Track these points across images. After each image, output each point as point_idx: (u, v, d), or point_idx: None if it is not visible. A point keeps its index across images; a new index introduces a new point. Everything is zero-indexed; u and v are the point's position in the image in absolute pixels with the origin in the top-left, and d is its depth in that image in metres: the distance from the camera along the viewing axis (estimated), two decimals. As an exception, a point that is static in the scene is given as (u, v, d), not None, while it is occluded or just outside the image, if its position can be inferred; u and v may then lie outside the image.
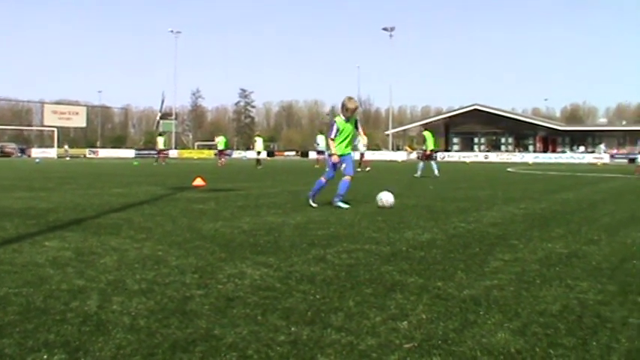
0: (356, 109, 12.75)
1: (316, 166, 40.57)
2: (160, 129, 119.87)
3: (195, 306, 4.68)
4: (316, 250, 7.26)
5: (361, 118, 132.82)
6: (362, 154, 39.78)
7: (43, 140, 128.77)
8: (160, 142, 55.30)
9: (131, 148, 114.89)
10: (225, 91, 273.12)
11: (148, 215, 10.78)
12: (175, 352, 3.64)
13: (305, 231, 8.86)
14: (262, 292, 5.14)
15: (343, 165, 12.85)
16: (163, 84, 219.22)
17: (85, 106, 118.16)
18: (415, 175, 28.48)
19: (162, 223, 9.59)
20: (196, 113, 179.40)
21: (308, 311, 4.54)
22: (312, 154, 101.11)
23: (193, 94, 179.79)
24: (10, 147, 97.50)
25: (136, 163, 55.34)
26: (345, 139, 12.86)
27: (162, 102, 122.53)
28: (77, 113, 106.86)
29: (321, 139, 42.12)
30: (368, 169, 37.36)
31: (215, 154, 53.86)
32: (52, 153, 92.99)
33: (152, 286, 5.31)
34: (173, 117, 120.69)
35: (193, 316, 4.38)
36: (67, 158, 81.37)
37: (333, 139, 12.83)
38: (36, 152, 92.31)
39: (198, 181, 20.15)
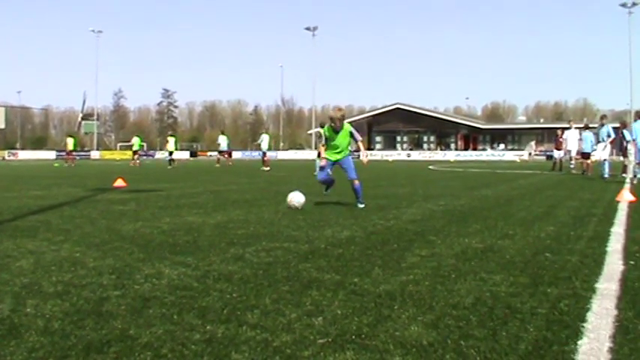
0: (342, 117, 12.58)
1: (217, 165, 40.29)
2: (82, 130, 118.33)
3: (112, 307, 4.65)
4: (235, 249, 7.27)
5: (285, 117, 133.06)
6: (264, 153, 40.31)
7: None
8: (70, 143, 55.41)
9: (52, 149, 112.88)
10: (148, 92, 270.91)
11: (67, 217, 10.64)
12: (89, 354, 3.62)
13: (225, 230, 8.86)
14: (179, 291, 5.14)
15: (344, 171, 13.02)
16: (85, 84, 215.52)
17: (3, 106, 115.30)
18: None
19: (81, 225, 9.49)
20: (118, 114, 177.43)
21: (224, 309, 4.55)
22: (236, 154, 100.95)
23: (115, 95, 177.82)
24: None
25: (56, 164, 54.46)
26: (336, 147, 12.76)
27: (84, 102, 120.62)
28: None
29: (222, 139, 42.49)
30: (267, 168, 37.65)
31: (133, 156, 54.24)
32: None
33: (68, 288, 5.27)
34: (95, 117, 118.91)
35: (109, 317, 4.36)
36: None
37: (323, 145, 13.10)
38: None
39: (119, 182, 19.97)
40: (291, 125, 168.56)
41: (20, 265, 6.35)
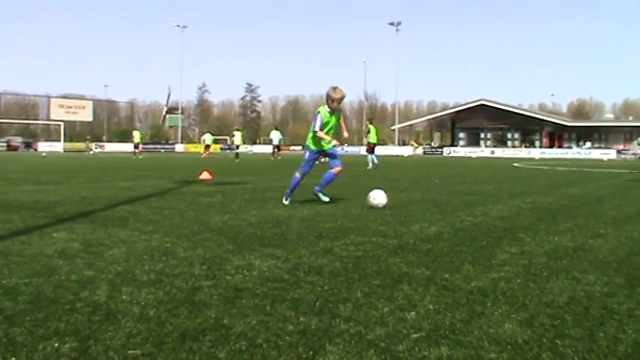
0: (341, 98, 11.68)
1: (272, 159, 40.73)
2: (167, 123, 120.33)
3: (204, 296, 4.71)
4: (324, 242, 7.29)
5: (367, 112, 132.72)
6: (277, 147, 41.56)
7: (50, 134, 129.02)
8: (136, 136, 57.66)
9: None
10: (232, 86, 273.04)
11: (156, 208, 10.81)
12: (185, 341, 3.68)
13: (312, 224, 8.89)
14: (270, 283, 5.17)
15: (325, 159, 12.55)
16: (169, 78, 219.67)
17: (91, 100, 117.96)
18: (368, 168, 30.38)
19: (169, 216, 9.63)
20: (202, 107, 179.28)
21: (316, 302, 4.56)
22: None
23: (199, 89, 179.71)
24: (17, 141, 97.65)
25: (141, 157, 55.37)
26: (329, 131, 11.91)
27: (169, 96, 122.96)
28: (83, 107, 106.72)
29: (275, 135, 42.91)
30: (279, 157, 38.84)
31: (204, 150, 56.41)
32: (58, 147, 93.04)
33: (161, 277, 5.35)
34: (179, 111, 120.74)
35: (202, 307, 4.41)
36: (91, 152, 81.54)
37: (318, 131, 11.87)
38: (42, 146, 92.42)
39: (205, 175, 20.21)
40: (375, 121, 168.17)
41: (113, 253, 6.47)
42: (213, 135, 62.32)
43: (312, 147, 12.15)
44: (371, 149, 32.36)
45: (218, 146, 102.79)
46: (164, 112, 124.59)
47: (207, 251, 6.62)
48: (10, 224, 8.62)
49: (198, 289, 4.93)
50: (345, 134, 12.64)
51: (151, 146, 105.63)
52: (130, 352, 3.51)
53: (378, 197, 11.31)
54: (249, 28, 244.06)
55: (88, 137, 56.01)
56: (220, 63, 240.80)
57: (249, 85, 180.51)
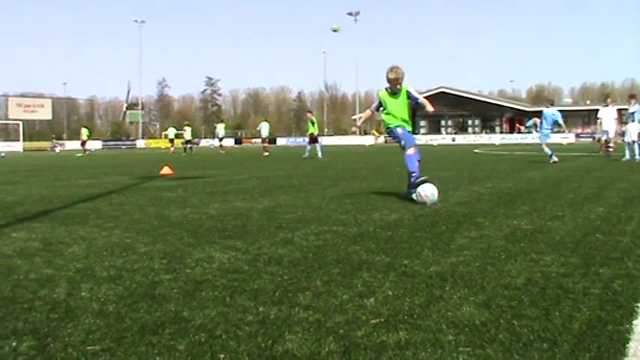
0: (396, 79, 10.76)
1: (265, 154, 41.05)
2: (127, 119, 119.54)
3: (164, 290, 4.71)
4: (284, 233, 7.30)
5: (329, 103, 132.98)
6: (264, 139, 43.75)
7: (8, 134, 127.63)
8: (84, 133, 59.27)
9: (98, 139, 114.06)
10: (192, 80, 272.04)
11: (116, 204, 10.76)
12: (144, 335, 3.67)
13: (273, 215, 8.90)
14: (230, 274, 5.18)
15: (402, 142, 11.03)
16: (129, 74, 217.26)
17: (50, 98, 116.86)
18: (303, 157, 32.70)
19: (130, 212, 9.59)
20: (163, 103, 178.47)
21: (276, 292, 4.58)
22: (280, 141, 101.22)
23: (159, 84, 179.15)
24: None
25: (79, 154, 54.71)
26: (393, 112, 10.96)
27: (129, 92, 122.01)
28: (42, 106, 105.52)
29: (265, 127, 43.08)
30: (267, 154, 40.19)
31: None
32: (17, 146, 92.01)
33: (121, 273, 5.33)
34: (140, 107, 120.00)
35: (162, 300, 4.41)
36: (57, 150, 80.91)
37: (372, 111, 11.69)
38: (1, 146, 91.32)
39: (166, 170, 20.14)
40: (335, 111, 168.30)
41: (73, 250, 6.44)
42: (90, 130, 64.56)
43: (390, 124, 11.08)
44: (314, 140, 34.20)
45: (180, 141, 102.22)
46: (124, 109, 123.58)
47: (168, 245, 6.61)
48: (-33, 224, 8.53)
49: (158, 283, 4.92)
50: (429, 108, 11.29)
51: (112, 143, 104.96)
52: (89, 347, 3.50)
53: (428, 191, 10.00)
54: (208, 21, 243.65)
55: (54, 136, 55.65)
56: (180, 57, 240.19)
57: (210, 78, 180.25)
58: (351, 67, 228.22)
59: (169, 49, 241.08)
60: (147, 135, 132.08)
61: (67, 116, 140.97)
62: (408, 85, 10.92)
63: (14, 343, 3.58)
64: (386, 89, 11.00)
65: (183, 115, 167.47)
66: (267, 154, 40.30)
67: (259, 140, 50.08)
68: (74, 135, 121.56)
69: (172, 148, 55.97)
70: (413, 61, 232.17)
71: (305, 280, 4.93)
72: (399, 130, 10.94)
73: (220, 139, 54.07)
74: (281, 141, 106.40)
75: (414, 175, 10.51)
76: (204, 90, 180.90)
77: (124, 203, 10.94)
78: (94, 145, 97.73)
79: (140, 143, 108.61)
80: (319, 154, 32.74)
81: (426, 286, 4.69)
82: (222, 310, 4.14)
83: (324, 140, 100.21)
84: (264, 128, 44.06)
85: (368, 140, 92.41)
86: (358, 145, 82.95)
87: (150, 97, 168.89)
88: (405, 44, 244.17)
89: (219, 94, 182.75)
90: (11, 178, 20.01)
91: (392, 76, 10.79)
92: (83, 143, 58.41)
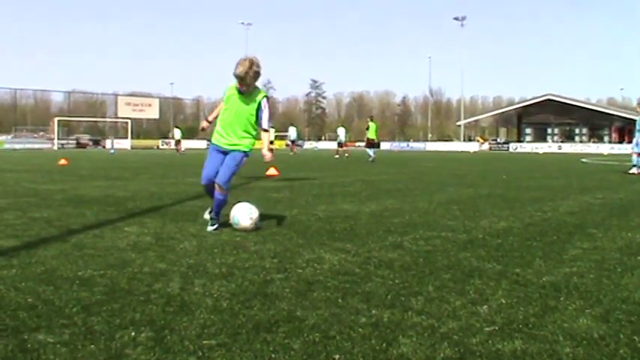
0: (254, 74, 7.87)
1: (336, 157, 42.12)
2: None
3: (276, 289, 4.76)
4: (393, 237, 7.30)
5: (433, 109, 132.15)
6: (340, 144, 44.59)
7: (117, 131, 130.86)
8: (177, 133, 60.44)
9: (203, 139, 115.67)
10: (296, 83, 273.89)
11: (224, 203, 10.89)
12: (259, 332, 3.72)
13: (380, 219, 8.89)
14: (341, 276, 5.20)
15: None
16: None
17: (157, 97, 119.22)
18: (369, 160, 33.29)
19: (238, 211, 9.70)
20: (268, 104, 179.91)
21: (388, 295, 4.58)
22: (384, 145, 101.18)
23: (264, 85, 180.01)
24: (85, 139, 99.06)
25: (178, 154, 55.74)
26: (231, 125, 8.10)
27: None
28: (150, 105, 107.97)
29: (341, 131, 43.81)
30: (345, 155, 41.68)
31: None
32: (125, 144, 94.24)
33: (232, 270, 5.42)
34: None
35: (275, 299, 4.46)
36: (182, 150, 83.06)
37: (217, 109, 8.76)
38: (110, 144, 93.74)
39: (272, 171, 20.30)
40: (439, 116, 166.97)
41: (184, 247, 6.57)
42: (183, 131, 64.52)
43: (215, 142, 8.32)
44: (370, 144, 35.44)
45: (283, 142, 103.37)
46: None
47: (278, 245, 6.68)
48: (82, 218, 8.80)
49: (270, 282, 4.98)
50: (265, 151, 8.46)
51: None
52: (204, 341, 3.57)
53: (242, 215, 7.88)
54: (313, 24, 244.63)
55: (179, 139, 56.49)
56: (285, 60, 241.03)
57: (314, 81, 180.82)
58: (456, 72, 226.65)
59: (275, 51, 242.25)
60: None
61: (174, 115, 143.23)
62: (265, 94, 8.25)
63: (133, 333, 3.69)
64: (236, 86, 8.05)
65: (287, 117, 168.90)
66: (337, 156, 41.61)
67: (363, 143, 50.65)
68: (181, 134, 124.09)
69: (181, 150, 58.09)
70: (519, 67, 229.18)
71: (417, 285, 4.91)
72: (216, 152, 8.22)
73: (292, 142, 57.67)
74: (385, 145, 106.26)
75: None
76: (309, 93, 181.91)
77: (232, 202, 11.05)
78: (200, 144, 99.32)
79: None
80: (371, 155, 34.02)
81: (540, 296, 4.62)
82: (335, 311, 4.16)
83: (429, 146, 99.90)
84: (342, 134, 45.39)
85: (472, 147, 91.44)
86: (462, 151, 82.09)
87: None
88: (512, 49, 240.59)
89: (324, 97, 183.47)
90: (121, 174, 20.53)
91: (237, 70, 7.82)
92: (177, 143, 59.57)
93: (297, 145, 61.17)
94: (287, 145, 57.66)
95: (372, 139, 35.94)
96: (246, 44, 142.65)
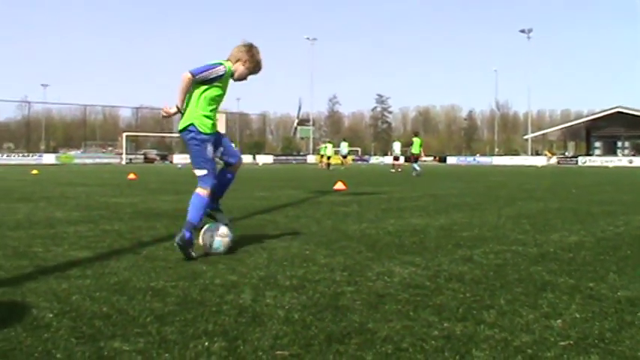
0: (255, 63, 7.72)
1: (392, 171, 43.33)
2: (298, 135, 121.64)
3: (347, 301, 4.76)
4: (462, 250, 7.26)
5: (499, 122, 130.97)
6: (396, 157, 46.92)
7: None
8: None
9: (269, 153, 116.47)
10: (362, 97, 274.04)
11: (293, 217, 10.97)
12: (331, 344, 3.73)
13: (449, 232, 8.85)
14: (412, 289, 5.19)
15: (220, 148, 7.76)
16: (300, 90, 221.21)
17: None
18: (414, 174, 35.02)
19: (307, 225, 9.76)
20: (333, 119, 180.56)
21: (459, 308, 4.55)
22: (450, 159, 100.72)
23: (330, 100, 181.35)
24: (153, 153, 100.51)
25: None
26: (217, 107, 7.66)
27: (300, 108, 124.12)
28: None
29: (397, 146, 44.65)
30: (398, 170, 43.99)
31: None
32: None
33: (303, 283, 5.44)
34: (310, 123, 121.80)
35: (346, 311, 4.46)
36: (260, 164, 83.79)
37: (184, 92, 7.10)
38: (177, 158, 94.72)
39: (339, 185, 20.35)
40: (506, 130, 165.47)
41: (254, 259, 6.62)
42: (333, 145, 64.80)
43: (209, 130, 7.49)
44: (414, 159, 37.53)
45: (350, 157, 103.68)
46: (295, 124, 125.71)
47: (347, 258, 6.69)
48: (153, 231, 8.95)
49: (340, 295, 4.99)
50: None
51: (283, 157, 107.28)
52: (277, 352, 3.59)
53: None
54: (378, 38, 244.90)
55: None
56: (350, 74, 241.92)
57: (380, 96, 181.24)
58: (523, 85, 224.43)
59: (340, 66, 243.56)
60: (317, 151, 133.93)
61: (240, 130, 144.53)
62: None
63: (206, 343, 3.73)
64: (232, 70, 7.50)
65: (353, 131, 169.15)
66: (393, 170, 43.40)
67: (429, 158, 50.98)
68: (246, 149, 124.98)
69: (323, 163, 58.00)
70: (587, 80, 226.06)
71: (488, 298, 4.87)
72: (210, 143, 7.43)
73: (344, 156, 59.67)
74: (451, 160, 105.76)
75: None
76: (375, 107, 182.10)
77: (300, 216, 11.14)
78: (266, 159, 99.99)
79: (310, 158, 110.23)
80: (417, 169, 36.03)
81: (615, 311, 4.54)
82: (406, 323, 4.15)
83: (496, 160, 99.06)
84: (397, 148, 46.84)
85: (540, 161, 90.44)
86: (530, 165, 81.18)
87: (321, 113, 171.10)
88: (579, 61, 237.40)
89: (390, 112, 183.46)
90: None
91: (262, 62, 7.81)
92: None
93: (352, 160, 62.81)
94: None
95: (417, 154, 38.05)
96: (312, 59, 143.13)
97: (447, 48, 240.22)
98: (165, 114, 7.10)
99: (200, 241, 6.92)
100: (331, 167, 53.96)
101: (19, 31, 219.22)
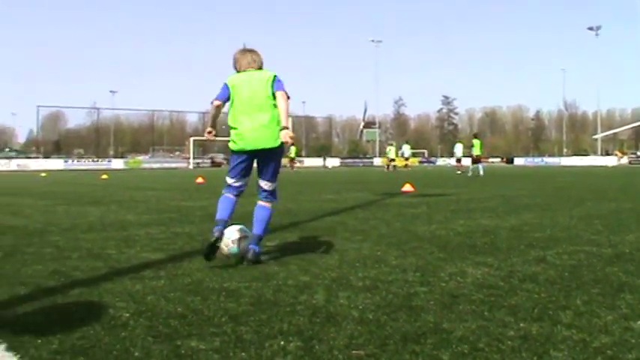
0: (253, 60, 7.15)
1: (457, 173, 43.00)
2: (364, 138, 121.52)
3: (421, 302, 4.75)
4: (535, 251, 7.18)
5: (567, 122, 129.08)
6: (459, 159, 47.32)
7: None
8: (292, 150, 61.79)
9: (336, 156, 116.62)
10: (428, 98, 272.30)
11: (362, 219, 10.98)
12: (407, 344, 3.72)
13: (521, 233, 8.76)
14: (485, 289, 5.15)
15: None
16: (365, 93, 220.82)
17: (290, 116, 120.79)
18: (468, 175, 36.79)
19: (376, 226, 9.75)
20: (399, 121, 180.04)
21: (534, 309, 4.50)
22: (518, 160, 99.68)
23: (395, 102, 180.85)
24: (219, 157, 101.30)
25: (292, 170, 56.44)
26: (249, 111, 6.82)
27: (365, 111, 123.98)
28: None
29: (459, 148, 44.53)
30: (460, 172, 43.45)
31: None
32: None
33: (376, 283, 5.44)
34: (376, 125, 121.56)
35: (420, 311, 4.45)
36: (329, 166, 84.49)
37: (216, 106, 7.04)
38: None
39: (407, 187, 20.29)
40: (574, 130, 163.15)
41: (326, 260, 6.64)
42: (298, 148, 65.79)
43: (237, 143, 6.85)
44: (475, 160, 38.61)
45: (416, 159, 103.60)
46: (361, 127, 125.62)
47: (419, 259, 6.67)
48: (224, 233, 9.01)
49: (413, 295, 4.98)
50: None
51: (349, 160, 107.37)
52: (353, 351, 3.60)
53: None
54: (443, 39, 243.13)
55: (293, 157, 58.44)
56: (416, 76, 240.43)
57: (446, 97, 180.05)
58: (592, 84, 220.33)
59: (405, 68, 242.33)
60: (383, 153, 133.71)
61: (306, 133, 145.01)
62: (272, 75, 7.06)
63: (282, 343, 3.76)
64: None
65: (419, 133, 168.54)
66: (459, 172, 43.40)
67: (496, 159, 50.59)
68: (312, 152, 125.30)
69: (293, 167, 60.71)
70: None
71: (563, 299, 4.81)
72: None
73: (406, 159, 61.75)
74: (518, 161, 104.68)
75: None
76: (440, 109, 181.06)
77: (369, 218, 11.14)
78: (332, 162, 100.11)
79: (377, 161, 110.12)
80: (480, 172, 37.15)
81: (697, 312, 4.45)
82: (481, 323, 4.12)
83: (564, 160, 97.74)
84: (459, 150, 46.53)
85: (610, 161, 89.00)
86: (600, 165, 79.88)
87: (386, 115, 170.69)
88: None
89: (456, 113, 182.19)
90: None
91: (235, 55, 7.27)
92: (291, 160, 61.11)
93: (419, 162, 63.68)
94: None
95: (478, 156, 39.00)
96: (376, 61, 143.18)
97: (513, 47, 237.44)
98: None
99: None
100: (393, 169, 54.13)
101: (88, 39, 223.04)
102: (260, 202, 7.04)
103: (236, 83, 6.86)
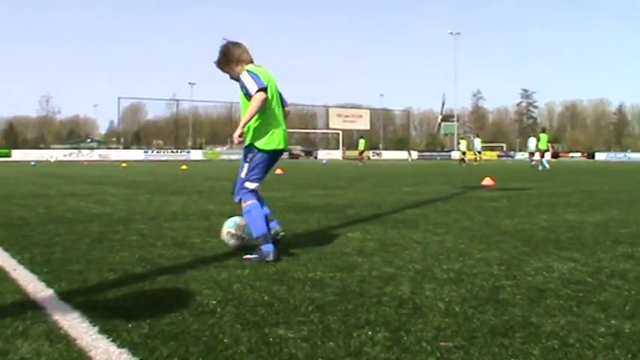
0: (216, 65, 7.03)
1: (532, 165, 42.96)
2: (442, 131, 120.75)
3: (507, 295, 4.72)
4: (622, 247, 7.05)
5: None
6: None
7: (328, 143, 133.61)
8: (362, 143, 61.75)
9: (414, 149, 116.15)
10: (506, 92, 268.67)
11: (443, 212, 10.93)
12: (495, 336, 3.70)
13: (606, 229, 8.61)
14: (573, 285, 5.08)
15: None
16: (443, 86, 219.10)
17: (367, 109, 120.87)
18: (539, 169, 37.13)
19: (458, 219, 9.70)
20: (477, 115, 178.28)
21: (625, 305, 4.43)
22: (599, 155, 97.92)
23: (474, 96, 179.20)
24: (298, 149, 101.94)
25: (360, 164, 56.15)
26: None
27: (443, 104, 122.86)
28: (361, 116, 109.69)
29: (532, 142, 44.70)
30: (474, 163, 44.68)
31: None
32: (337, 155, 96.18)
33: (460, 276, 5.42)
34: (454, 119, 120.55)
35: (507, 305, 4.42)
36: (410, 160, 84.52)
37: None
38: (322, 154, 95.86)
39: (487, 181, 20.12)
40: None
41: (409, 252, 6.63)
42: (366, 141, 65.32)
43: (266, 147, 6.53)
44: (542, 155, 39.10)
45: (495, 153, 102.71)
46: (439, 120, 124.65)
47: (503, 253, 6.62)
48: (306, 224, 9.08)
49: (499, 288, 4.95)
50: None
51: (427, 153, 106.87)
52: (442, 343, 3.59)
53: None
54: (523, 31, 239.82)
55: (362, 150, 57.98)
56: (495, 69, 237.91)
57: (525, 90, 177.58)
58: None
59: (484, 61, 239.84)
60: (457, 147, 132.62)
61: (383, 127, 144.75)
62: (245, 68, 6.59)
63: (369, 333, 3.78)
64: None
65: (497, 127, 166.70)
66: (533, 164, 43.13)
67: (576, 154, 49.81)
68: (390, 145, 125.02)
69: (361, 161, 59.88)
70: None
71: (656, 297, 4.72)
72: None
73: (479, 152, 60.85)
74: (600, 156, 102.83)
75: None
76: (520, 102, 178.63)
77: (451, 211, 11.08)
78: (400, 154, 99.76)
79: (455, 154, 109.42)
80: (546, 166, 37.70)
81: None
82: (570, 319, 4.07)
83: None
84: (532, 144, 45.59)
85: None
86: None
87: (464, 109, 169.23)
88: None
89: (535, 107, 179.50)
90: (337, 183, 20.98)
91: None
92: (360, 153, 60.83)
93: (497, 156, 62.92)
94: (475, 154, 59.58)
95: (544, 150, 39.52)
96: (455, 54, 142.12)
97: (593, 40, 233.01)
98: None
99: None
100: (464, 164, 53.74)
101: (168, 34, 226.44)
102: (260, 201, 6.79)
103: (267, 76, 6.52)
